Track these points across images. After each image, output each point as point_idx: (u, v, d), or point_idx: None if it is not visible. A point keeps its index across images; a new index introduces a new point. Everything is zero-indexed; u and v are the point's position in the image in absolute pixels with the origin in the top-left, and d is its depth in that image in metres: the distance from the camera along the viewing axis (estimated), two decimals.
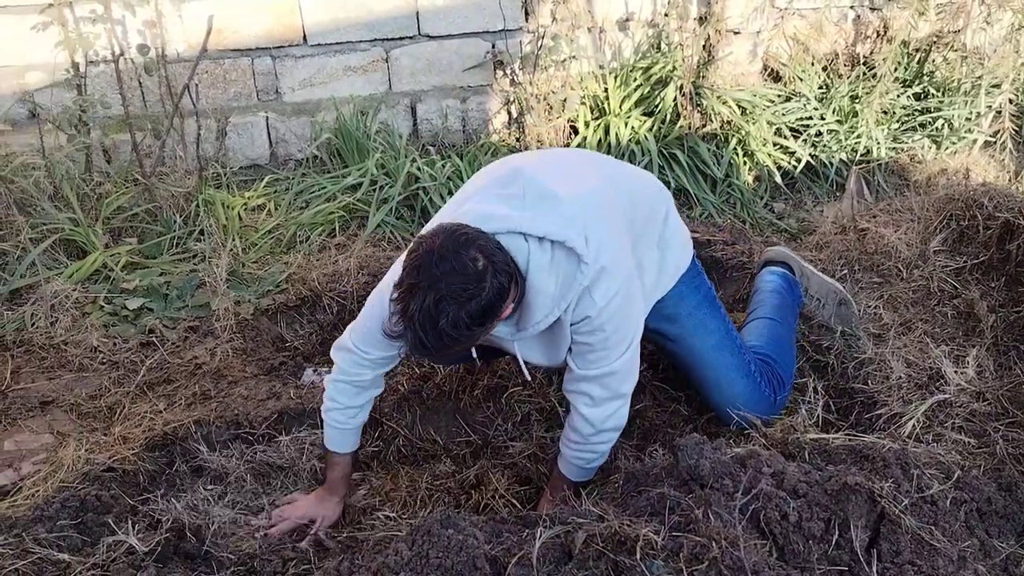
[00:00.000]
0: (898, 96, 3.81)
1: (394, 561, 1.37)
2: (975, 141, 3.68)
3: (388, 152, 3.51)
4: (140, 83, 3.40)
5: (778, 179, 3.59)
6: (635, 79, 3.70)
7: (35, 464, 2.03)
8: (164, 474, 2.02)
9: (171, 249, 3.02)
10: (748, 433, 1.92)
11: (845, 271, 2.62)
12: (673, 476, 1.57)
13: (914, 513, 1.44)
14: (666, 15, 3.76)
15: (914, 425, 1.91)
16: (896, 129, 3.79)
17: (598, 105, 3.69)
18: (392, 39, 3.63)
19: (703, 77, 3.69)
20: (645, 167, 3.39)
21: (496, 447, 2.20)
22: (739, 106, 3.65)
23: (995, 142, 3.61)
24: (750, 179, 3.61)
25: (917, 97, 3.87)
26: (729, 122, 3.64)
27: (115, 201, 3.08)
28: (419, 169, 3.38)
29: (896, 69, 3.81)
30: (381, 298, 1.75)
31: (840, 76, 3.87)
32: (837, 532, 1.40)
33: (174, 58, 3.37)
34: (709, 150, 3.57)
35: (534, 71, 3.62)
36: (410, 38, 3.65)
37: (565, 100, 3.59)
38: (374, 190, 3.34)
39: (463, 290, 1.46)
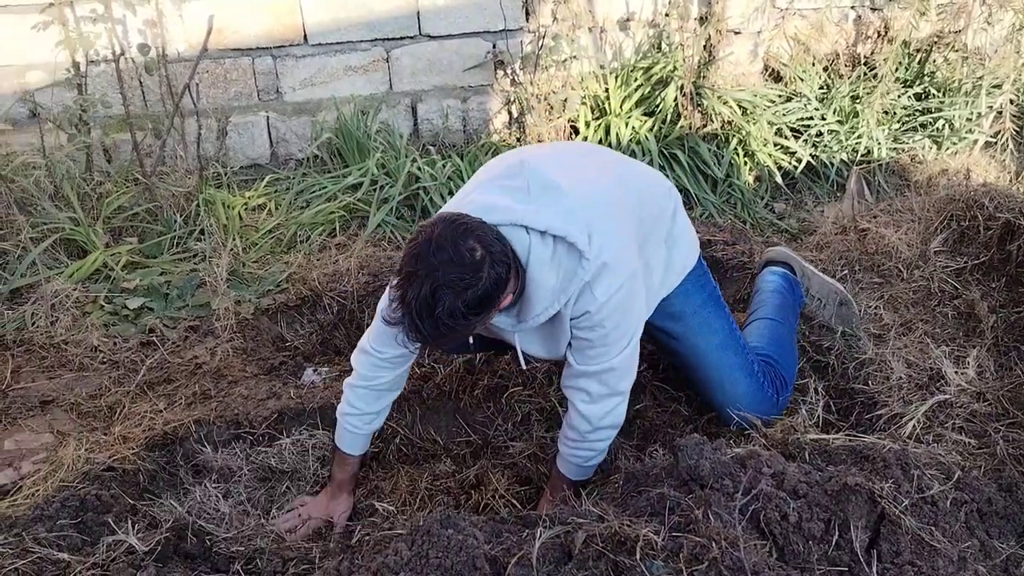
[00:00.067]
0: (899, 96, 3.81)
1: (394, 561, 1.37)
2: (976, 141, 3.68)
3: (389, 152, 3.51)
4: (141, 82, 3.40)
5: (779, 179, 3.59)
6: (636, 79, 3.70)
7: (35, 463, 2.03)
8: (164, 474, 2.02)
9: (171, 249, 3.02)
10: (748, 433, 1.92)
11: (845, 271, 2.62)
12: (673, 476, 1.57)
13: (914, 514, 1.44)
14: (667, 15, 3.76)
15: (914, 426, 1.91)
16: (897, 129, 3.78)
17: (599, 105, 3.69)
18: (393, 39, 3.63)
19: (704, 77, 3.68)
20: None
21: (496, 447, 2.20)
22: (740, 106, 3.65)
23: (996, 142, 3.61)
24: (751, 179, 3.61)
25: (918, 97, 3.87)
26: (730, 122, 3.63)
27: (116, 200, 3.08)
28: (420, 169, 3.38)
29: (897, 69, 3.80)
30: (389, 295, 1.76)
31: (841, 76, 3.87)
32: (837, 532, 1.40)
33: (175, 58, 3.38)
34: (710, 150, 3.57)
35: (535, 71, 3.62)
36: (411, 38, 3.65)
37: (566, 100, 3.59)
38: (375, 190, 3.34)
39: (459, 279, 1.46)
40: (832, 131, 3.73)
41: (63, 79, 3.11)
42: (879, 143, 3.66)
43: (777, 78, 3.93)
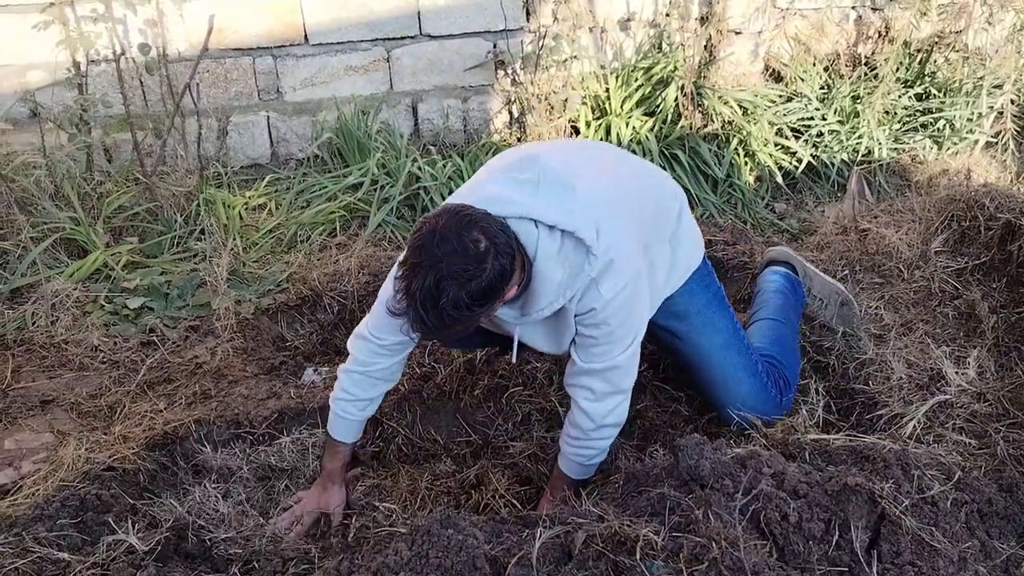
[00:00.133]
0: (899, 97, 3.81)
1: (394, 561, 1.37)
2: (977, 142, 3.68)
3: (389, 152, 3.51)
4: (141, 82, 3.40)
5: (779, 179, 3.59)
6: (636, 79, 3.70)
7: (35, 463, 2.03)
8: (164, 473, 2.02)
9: (172, 248, 3.02)
10: (748, 433, 1.91)
11: (846, 272, 2.62)
12: (673, 476, 1.57)
13: (915, 514, 1.44)
14: (667, 15, 3.76)
15: (915, 426, 1.91)
16: (897, 130, 3.78)
17: (599, 105, 3.69)
18: (393, 39, 3.63)
19: (704, 77, 3.68)
20: None
21: (496, 447, 2.20)
22: (740, 106, 3.65)
23: (996, 143, 3.61)
24: (751, 179, 3.61)
25: (919, 98, 3.87)
26: (730, 122, 3.63)
27: (116, 200, 3.08)
28: (420, 169, 3.38)
29: (898, 70, 3.80)
30: (391, 283, 1.76)
31: (841, 76, 3.87)
32: (837, 533, 1.40)
33: (175, 57, 3.38)
34: (710, 150, 3.57)
35: (535, 71, 3.62)
36: (411, 38, 3.65)
37: (566, 100, 3.59)
38: (375, 190, 3.34)
39: (463, 271, 1.46)
40: (833, 131, 3.73)
41: (64, 79, 3.11)
42: (880, 143, 3.66)
43: (778, 78, 3.92)
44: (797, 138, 3.70)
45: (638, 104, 3.65)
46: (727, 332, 2.05)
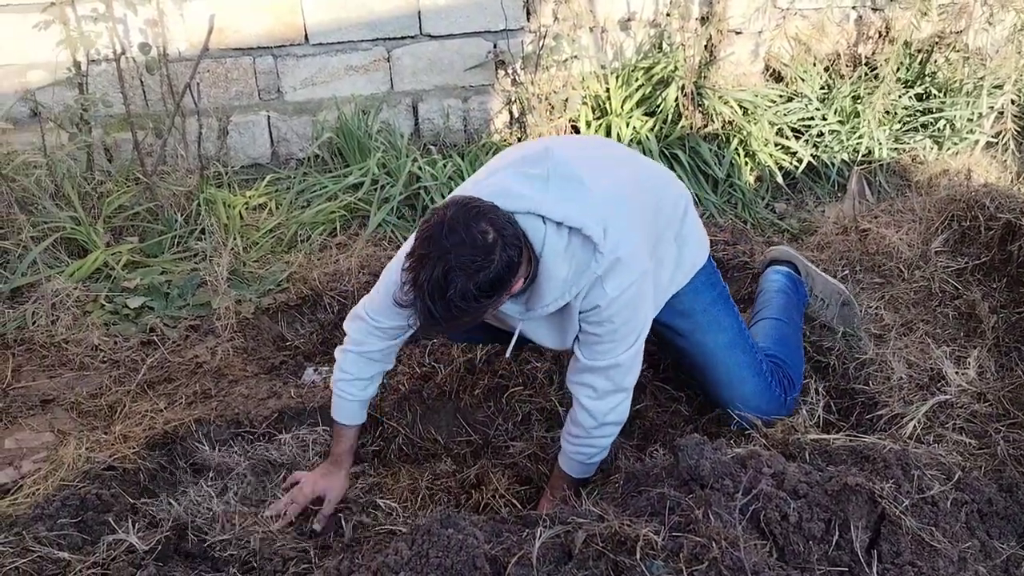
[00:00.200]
0: (900, 97, 3.80)
1: (394, 560, 1.37)
2: (977, 142, 3.68)
3: (389, 151, 3.51)
4: (142, 82, 3.41)
5: (779, 179, 3.59)
6: (637, 79, 3.70)
7: (36, 462, 2.03)
8: (164, 473, 2.02)
9: (172, 248, 3.02)
10: (748, 433, 1.91)
11: (846, 272, 2.62)
12: (673, 476, 1.57)
13: (915, 514, 1.44)
14: (668, 15, 3.76)
15: (915, 426, 1.91)
16: (898, 130, 3.78)
17: (600, 105, 3.69)
18: (394, 39, 3.63)
19: (705, 77, 3.68)
20: None
21: (496, 447, 2.20)
22: (741, 106, 3.65)
23: (997, 143, 3.61)
24: (751, 179, 3.61)
25: (919, 98, 3.87)
26: (731, 122, 3.63)
27: (116, 200, 3.08)
28: (420, 169, 3.38)
29: (898, 70, 3.80)
30: (395, 268, 1.77)
31: (842, 76, 3.87)
32: (837, 533, 1.40)
33: (175, 57, 3.38)
34: (710, 150, 3.57)
35: (536, 71, 3.62)
36: (412, 38, 3.65)
37: (567, 100, 3.59)
38: (375, 189, 3.34)
39: (471, 262, 1.47)
40: (833, 131, 3.73)
41: (64, 78, 3.11)
42: (880, 143, 3.66)
43: (778, 78, 3.92)
44: (797, 138, 3.70)
45: (638, 104, 3.65)
46: (732, 331, 2.05)
